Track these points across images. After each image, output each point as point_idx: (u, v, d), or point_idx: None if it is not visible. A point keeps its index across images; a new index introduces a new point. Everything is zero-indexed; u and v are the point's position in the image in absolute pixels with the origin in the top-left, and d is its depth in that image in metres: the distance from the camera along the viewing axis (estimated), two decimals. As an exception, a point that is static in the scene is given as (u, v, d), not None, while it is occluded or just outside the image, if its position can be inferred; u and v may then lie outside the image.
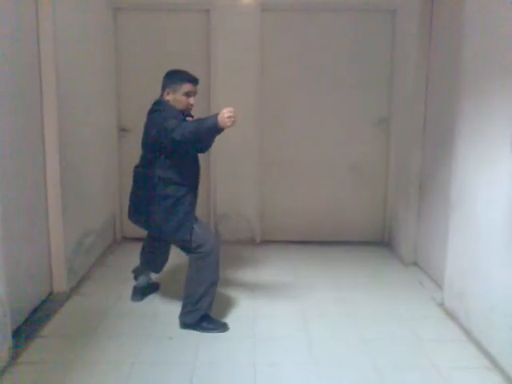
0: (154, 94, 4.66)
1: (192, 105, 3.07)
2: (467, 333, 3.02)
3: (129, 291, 3.57)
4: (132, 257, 4.32)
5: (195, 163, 3.11)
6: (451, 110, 3.36)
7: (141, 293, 3.50)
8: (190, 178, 3.06)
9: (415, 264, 4.19)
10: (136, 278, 3.54)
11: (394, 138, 4.57)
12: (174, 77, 3.07)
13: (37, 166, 3.28)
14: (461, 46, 3.18)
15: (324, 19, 4.55)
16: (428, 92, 3.97)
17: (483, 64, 2.91)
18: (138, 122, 4.71)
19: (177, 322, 3.10)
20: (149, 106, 4.69)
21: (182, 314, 3.06)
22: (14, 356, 2.67)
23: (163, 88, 3.10)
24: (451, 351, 2.88)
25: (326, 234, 4.78)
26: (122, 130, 4.71)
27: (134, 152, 4.74)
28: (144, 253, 3.54)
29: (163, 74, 4.60)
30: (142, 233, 4.82)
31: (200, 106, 4.64)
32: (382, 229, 4.79)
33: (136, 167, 3.25)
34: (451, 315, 3.25)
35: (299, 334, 3.04)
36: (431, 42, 3.93)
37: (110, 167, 4.63)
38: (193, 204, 3.07)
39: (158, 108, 3.04)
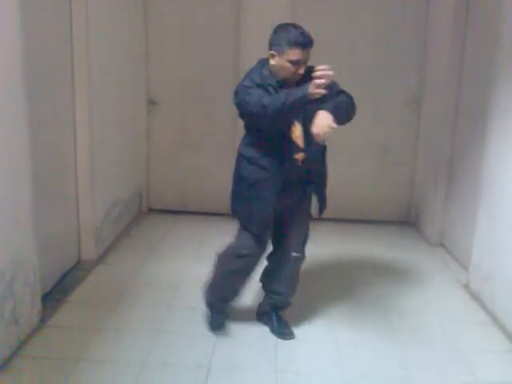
0: (184, 68, 4.71)
1: (300, 75, 2.38)
2: (492, 316, 2.98)
3: (153, 261, 3.64)
4: (157, 228, 4.42)
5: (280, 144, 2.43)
6: (485, 93, 3.26)
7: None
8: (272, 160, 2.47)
9: (441, 245, 4.15)
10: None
11: (425, 118, 4.47)
12: (280, 36, 2.36)
13: (67, 135, 3.33)
14: (499, 28, 3.07)
15: (355, 1, 4.43)
16: (462, 73, 3.86)
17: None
18: (166, 95, 4.77)
19: (199, 293, 3.14)
20: (178, 80, 4.72)
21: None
22: (43, 319, 2.76)
23: (269, 47, 2.44)
24: (475, 334, 2.86)
25: (354, 212, 4.75)
26: (151, 102, 4.72)
27: (162, 125, 4.81)
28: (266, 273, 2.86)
29: (192, 50, 4.65)
30: (167, 204, 4.93)
31: (227, 87, 4.63)
32: (408, 209, 4.74)
33: None
34: (476, 298, 3.22)
35: (323, 311, 3.06)
36: (468, 21, 3.80)
37: (138, 139, 4.66)
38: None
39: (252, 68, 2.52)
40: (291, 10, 4.34)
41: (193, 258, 3.77)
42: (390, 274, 3.64)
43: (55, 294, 3.07)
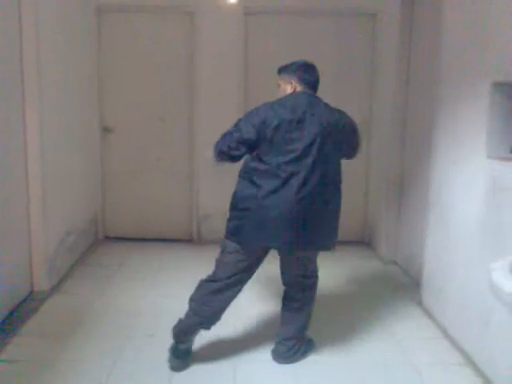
0: (138, 94, 4.73)
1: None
2: (443, 330, 3.08)
3: (110, 289, 3.60)
4: (113, 255, 4.37)
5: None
6: (430, 113, 3.42)
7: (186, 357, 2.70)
8: None
9: (395, 263, 4.26)
10: (185, 339, 2.66)
11: (375, 139, 4.63)
12: None
13: (18, 163, 3.28)
14: (439, 52, 3.24)
15: (306, 23, 4.58)
16: (409, 95, 4.04)
17: (460, 70, 2.98)
18: (120, 122, 4.78)
19: (158, 320, 3.12)
20: (132, 107, 4.72)
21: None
22: (-7, 354, 2.68)
23: None
24: (428, 348, 2.94)
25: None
26: (105, 129, 4.71)
27: (117, 151, 4.80)
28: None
29: (146, 74, 4.68)
30: (124, 232, 4.88)
31: (183, 110, 4.70)
32: (362, 228, 4.85)
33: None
34: (428, 313, 3.31)
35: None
36: (411, 47, 3.99)
37: (93, 166, 4.63)
38: None
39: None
40: (244, 36, 4.49)
41: (150, 284, 3.75)
42: (343, 292, 3.70)
43: (6, 327, 2.98)
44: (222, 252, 2.58)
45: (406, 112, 4.07)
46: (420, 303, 3.46)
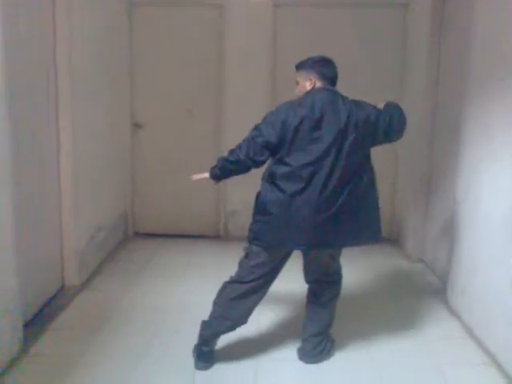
0: (167, 89, 4.78)
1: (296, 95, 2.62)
2: (469, 330, 3.04)
3: (138, 286, 3.67)
4: (142, 252, 4.45)
5: None
6: (460, 108, 3.36)
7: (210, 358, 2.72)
8: None
9: (421, 261, 4.21)
10: (212, 343, 2.71)
11: (404, 137, 4.54)
12: None
13: (50, 161, 3.38)
14: (469, 45, 3.18)
15: (336, 14, 4.54)
16: (438, 89, 3.97)
17: (490, 63, 2.92)
18: (150, 118, 4.85)
19: (184, 317, 3.17)
20: (161, 102, 4.78)
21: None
22: (25, 348, 2.77)
23: None
24: (453, 348, 2.91)
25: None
26: (136, 125, 4.79)
27: (147, 148, 4.87)
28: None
29: (176, 68, 4.73)
30: (153, 228, 4.96)
31: (212, 103, 4.74)
32: (390, 226, 4.80)
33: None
34: (454, 313, 3.27)
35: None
36: (442, 39, 3.91)
37: (123, 163, 4.72)
38: None
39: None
40: (272, 28, 4.52)
41: (177, 281, 3.81)
42: (369, 290, 3.68)
43: (38, 322, 3.08)
44: (246, 256, 2.59)
45: (435, 109, 4.00)
46: (446, 302, 3.42)
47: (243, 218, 4.78)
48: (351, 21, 4.55)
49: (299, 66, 2.62)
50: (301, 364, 2.74)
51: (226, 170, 2.60)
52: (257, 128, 2.48)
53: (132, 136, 4.80)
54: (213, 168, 2.69)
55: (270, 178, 2.49)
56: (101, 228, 4.10)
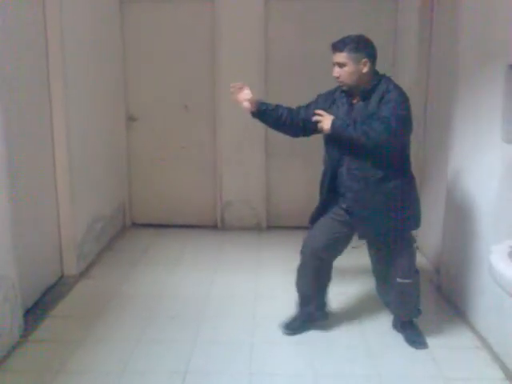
0: (161, 83, 4.82)
1: (335, 77, 2.60)
2: (461, 315, 3.10)
3: (136, 275, 3.73)
4: (140, 242, 4.51)
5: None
6: (449, 100, 3.40)
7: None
8: None
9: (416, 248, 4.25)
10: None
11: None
12: None
13: (46, 152, 3.42)
14: (456, 36, 3.22)
15: (327, 8, 4.57)
16: (429, 82, 4.01)
17: (477, 53, 2.96)
18: (144, 111, 4.89)
19: (179, 301, 3.24)
20: (154, 95, 4.82)
21: None
22: (25, 334, 2.84)
23: None
24: (444, 332, 2.96)
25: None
26: (131, 118, 4.83)
27: (142, 139, 4.92)
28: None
29: (169, 62, 4.77)
30: (151, 218, 5.01)
31: (205, 97, 4.78)
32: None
33: None
34: (446, 297, 3.33)
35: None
36: (432, 33, 3.95)
37: (119, 154, 4.76)
38: None
39: None
40: (264, 22, 4.55)
41: (173, 269, 3.87)
42: (361, 276, 3.73)
43: (37, 309, 3.15)
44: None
45: (426, 99, 4.04)
46: (438, 287, 3.48)
47: (239, 209, 4.89)
48: (342, 14, 4.56)
49: (345, 47, 2.49)
50: (301, 347, 2.81)
51: (360, 141, 2.47)
52: (407, 117, 2.55)
53: (127, 129, 4.84)
54: (348, 126, 2.49)
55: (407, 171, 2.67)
56: (98, 219, 4.15)
